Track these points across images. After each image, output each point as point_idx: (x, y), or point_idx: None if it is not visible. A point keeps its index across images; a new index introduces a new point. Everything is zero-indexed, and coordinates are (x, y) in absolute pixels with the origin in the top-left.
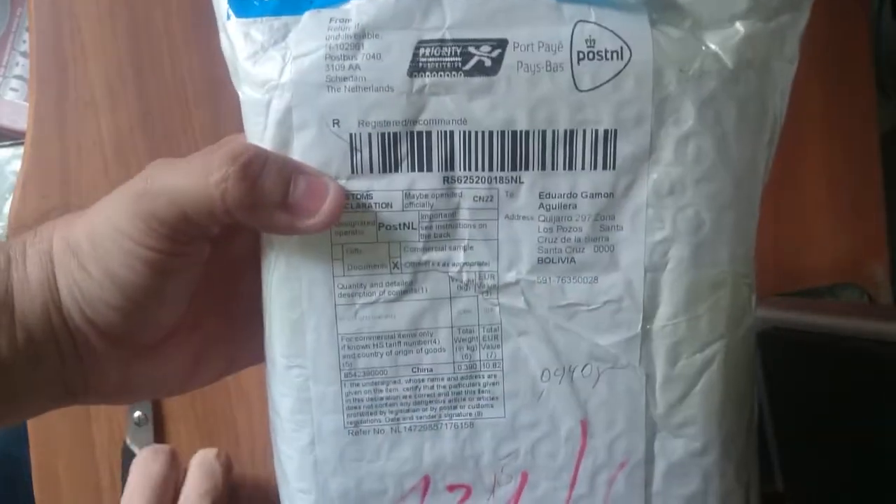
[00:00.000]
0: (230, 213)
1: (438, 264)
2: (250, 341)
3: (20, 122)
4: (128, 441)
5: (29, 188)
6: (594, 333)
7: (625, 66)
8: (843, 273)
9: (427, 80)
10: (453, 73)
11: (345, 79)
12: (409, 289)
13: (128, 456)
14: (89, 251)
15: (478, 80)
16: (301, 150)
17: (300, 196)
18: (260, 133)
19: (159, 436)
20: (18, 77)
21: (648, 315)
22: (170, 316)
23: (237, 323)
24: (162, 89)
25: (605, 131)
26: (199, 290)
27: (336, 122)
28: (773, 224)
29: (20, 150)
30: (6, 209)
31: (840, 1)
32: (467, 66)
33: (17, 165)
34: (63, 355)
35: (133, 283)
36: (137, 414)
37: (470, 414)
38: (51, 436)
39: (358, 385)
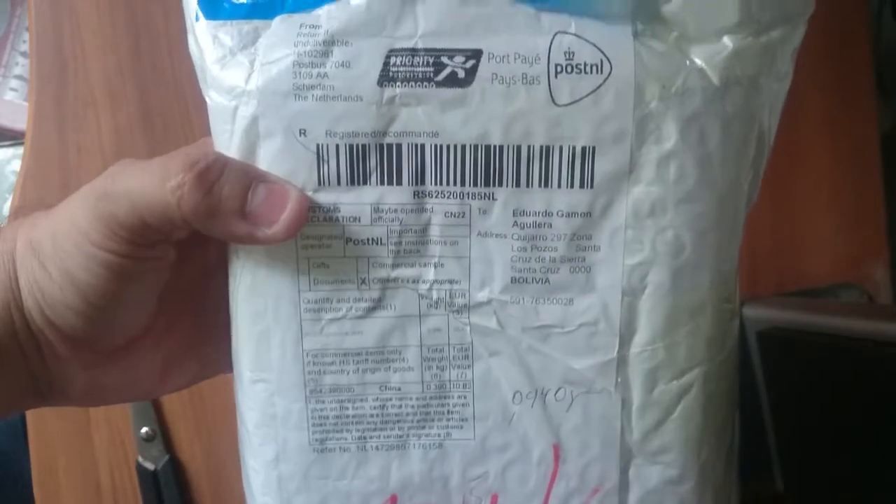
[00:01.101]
0: (187, 220)
1: (408, 281)
2: (223, 346)
3: (20, 122)
4: (140, 459)
5: (29, 188)
6: (569, 356)
7: (604, 81)
8: (843, 273)
9: (398, 90)
10: (425, 83)
11: (313, 87)
12: (378, 305)
13: (142, 474)
14: (50, 252)
15: (450, 92)
16: (267, 160)
17: (259, 204)
18: (227, 140)
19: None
20: (18, 77)
21: (625, 339)
22: (134, 320)
23: (210, 328)
24: (162, 89)
25: (583, 148)
26: (170, 294)
27: (303, 132)
28: (773, 224)
29: (20, 150)
30: (6, 209)
31: (840, 1)
32: (440, 77)
33: (17, 165)
34: (26, 356)
35: (93, 286)
36: (145, 430)
37: (439, 435)
38: (51, 436)
39: (324, 402)
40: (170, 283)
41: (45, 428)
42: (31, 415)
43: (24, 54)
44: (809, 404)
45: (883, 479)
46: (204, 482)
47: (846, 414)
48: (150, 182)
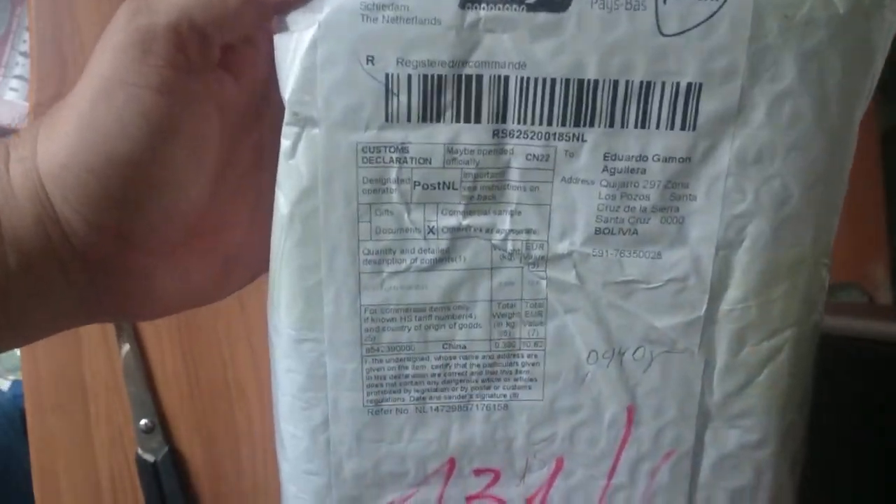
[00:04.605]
0: None
1: (481, 230)
2: None
3: (20, 122)
4: (139, 451)
5: None
6: (651, 314)
7: (720, 8)
8: (843, 273)
9: (482, 13)
10: (514, 6)
11: (383, 7)
12: (445, 257)
13: (142, 466)
14: (76, 126)
15: (543, 17)
16: (327, 92)
17: None
18: (287, 71)
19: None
20: (18, 77)
21: (715, 296)
22: (185, 202)
23: (268, 223)
24: None
25: (689, 85)
26: (223, 181)
27: (370, 60)
28: None
29: None
30: None
31: None
32: None
33: None
34: (68, 274)
35: (132, 153)
36: (144, 422)
37: (504, 395)
38: (51, 436)
39: (381, 361)
40: (223, 166)
41: (46, 426)
42: (31, 414)
43: (24, 54)
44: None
45: (884, 480)
46: (203, 473)
47: (846, 414)
48: None
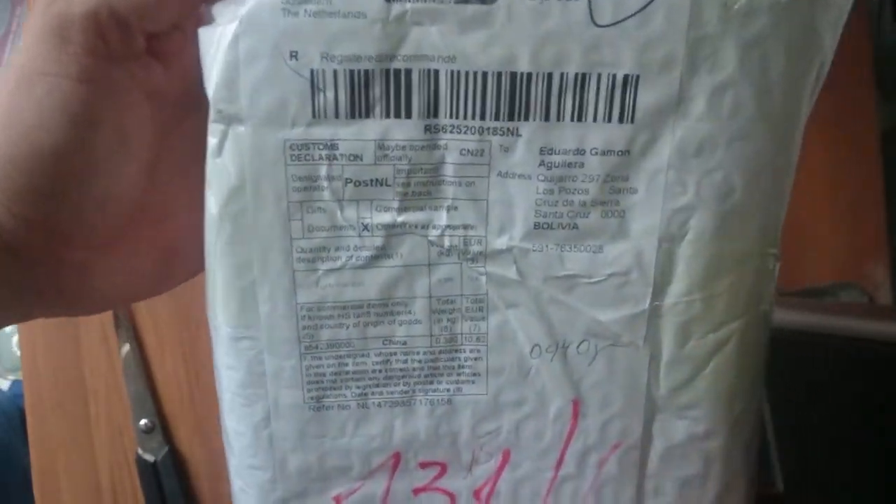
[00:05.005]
0: None
1: (416, 227)
2: None
3: None
4: (139, 451)
5: None
6: (594, 308)
7: None
8: (843, 273)
9: (409, 5)
10: None
11: (306, 0)
12: (381, 254)
13: (142, 466)
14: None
15: (472, 9)
16: (251, 88)
17: None
18: (210, 66)
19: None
20: None
21: (659, 290)
22: (115, 191)
23: None
24: None
25: (625, 77)
26: (163, 170)
27: (294, 55)
28: None
29: None
30: None
31: None
32: None
33: None
34: (3, 268)
35: (53, 145)
36: (144, 422)
37: (448, 390)
38: (50, 436)
39: (320, 358)
40: (158, 155)
41: (46, 426)
42: (30, 413)
43: None
44: (809, 404)
45: (883, 480)
46: (203, 473)
47: (846, 414)
48: None
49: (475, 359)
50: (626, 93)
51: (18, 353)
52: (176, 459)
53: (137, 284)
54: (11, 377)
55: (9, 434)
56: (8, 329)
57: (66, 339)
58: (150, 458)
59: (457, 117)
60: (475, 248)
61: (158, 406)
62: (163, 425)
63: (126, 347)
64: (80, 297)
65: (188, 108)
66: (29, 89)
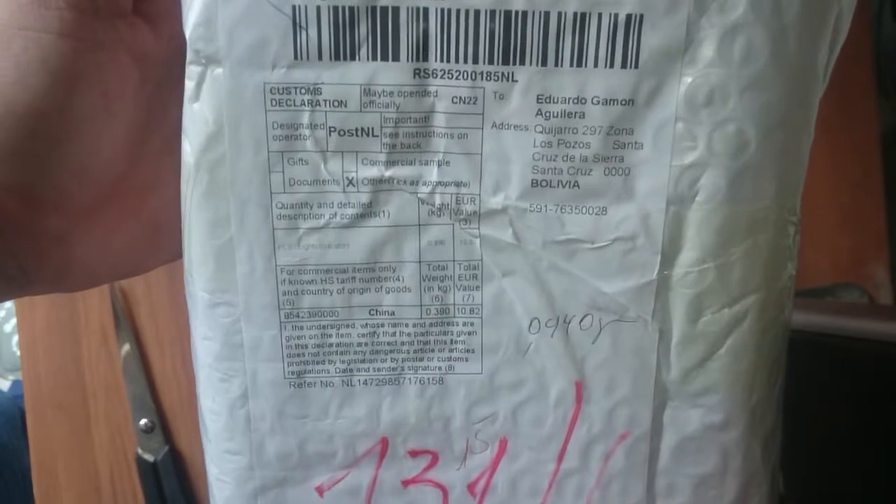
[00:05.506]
0: None
1: (405, 182)
2: None
3: None
4: (139, 451)
5: None
6: (598, 278)
7: None
8: (843, 273)
9: None
10: None
11: None
12: (368, 212)
13: (142, 466)
14: None
15: None
16: (228, 27)
17: None
18: (188, 4)
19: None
20: None
21: (668, 258)
22: (97, 158)
23: None
24: None
25: (628, 16)
26: (147, 139)
27: None
28: None
29: None
30: None
31: None
32: None
33: None
34: None
35: (31, 103)
36: (144, 422)
37: (439, 368)
38: (50, 436)
39: (302, 328)
40: (145, 121)
41: (45, 426)
42: (30, 413)
43: None
44: (809, 404)
45: (884, 481)
46: (203, 473)
47: (847, 414)
48: None
49: (469, 333)
50: (629, 34)
51: (18, 353)
52: (176, 459)
53: (123, 260)
54: (11, 377)
55: (9, 434)
56: (8, 329)
57: (66, 339)
58: (150, 458)
59: (447, 61)
60: (468, 207)
61: (158, 406)
62: (163, 425)
63: (126, 347)
64: (64, 271)
65: (179, 78)
66: (6, 44)
